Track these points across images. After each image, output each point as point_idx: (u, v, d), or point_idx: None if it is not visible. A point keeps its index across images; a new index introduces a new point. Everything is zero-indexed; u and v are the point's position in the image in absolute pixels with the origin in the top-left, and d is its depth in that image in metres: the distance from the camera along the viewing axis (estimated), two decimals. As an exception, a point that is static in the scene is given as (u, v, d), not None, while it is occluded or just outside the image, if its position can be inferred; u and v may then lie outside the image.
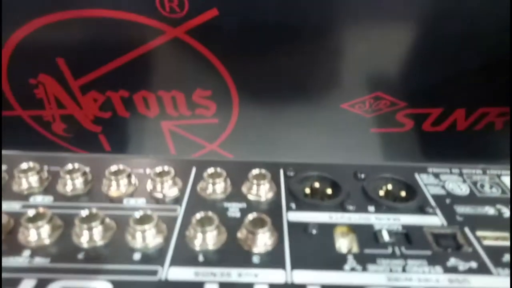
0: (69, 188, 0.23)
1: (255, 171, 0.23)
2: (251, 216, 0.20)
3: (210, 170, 0.23)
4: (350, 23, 0.37)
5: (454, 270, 0.18)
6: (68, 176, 0.23)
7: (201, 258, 0.19)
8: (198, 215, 0.20)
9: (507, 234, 0.21)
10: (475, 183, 0.25)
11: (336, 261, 0.19)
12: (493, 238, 0.21)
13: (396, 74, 0.44)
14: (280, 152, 0.59)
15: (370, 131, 0.55)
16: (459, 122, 0.53)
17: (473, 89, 0.46)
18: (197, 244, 0.19)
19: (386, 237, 0.20)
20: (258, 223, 0.20)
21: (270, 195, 0.23)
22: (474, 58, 0.40)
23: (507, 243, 0.20)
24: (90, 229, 0.19)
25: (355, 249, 0.20)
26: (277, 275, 0.18)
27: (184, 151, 0.58)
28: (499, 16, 0.35)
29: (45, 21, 0.35)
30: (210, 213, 0.20)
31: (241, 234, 0.20)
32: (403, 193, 0.24)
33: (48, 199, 0.22)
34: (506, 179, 0.25)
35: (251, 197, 0.23)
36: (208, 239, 0.19)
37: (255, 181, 0.23)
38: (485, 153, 0.61)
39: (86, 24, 0.37)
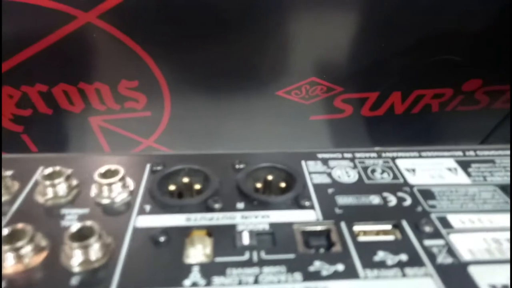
0: None
1: (104, 168, 0.19)
2: (76, 226, 0.16)
3: (49, 169, 0.19)
4: (282, 8, 0.35)
5: (315, 276, 0.15)
6: None
7: (3, 284, 0.15)
8: (8, 229, 0.16)
9: (389, 227, 0.18)
10: (366, 169, 0.22)
11: (178, 276, 0.15)
12: (373, 232, 0.18)
13: (330, 58, 0.42)
14: (220, 144, 0.56)
15: (310, 118, 0.53)
16: (397, 105, 0.53)
17: (407, 71, 0.46)
18: (5, 267, 0.15)
19: (246, 240, 0.17)
20: (85, 234, 0.16)
21: (123, 196, 0.19)
22: (407, 39, 0.39)
23: (389, 238, 0.18)
24: None
25: (209, 257, 0.16)
26: (92, 301, 0.14)
27: (119, 149, 0.54)
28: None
29: None
30: (22, 225, 0.16)
31: (63, 249, 0.16)
32: (283, 184, 0.21)
33: None
34: (400, 162, 0.23)
35: (99, 199, 0.19)
36: (18, 258, 0.15)
37: (103, 181, 0.19)
38: (424, 136, 0.61)
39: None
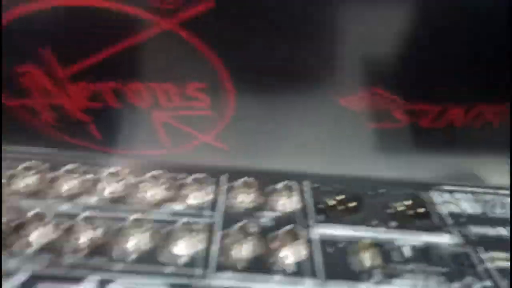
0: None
1: (281, 184, 0.25)
2: (283, 230, 0.21)
3: (238, 182, 0.25)
4: (350, 17, 0.34)
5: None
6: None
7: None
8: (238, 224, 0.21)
9: (517, 255, 0.23)
10: (486, 203, 0.26)
11: (361, 275, 0.20)
12: (505, 259, 0.23)
13: (394, 69, 0.41)
14: (275, 146, 0.57)
15: (367, 126, 0.53)
16: (457, 119, 0.51)
17: (472, 86, 0.43)
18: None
19: (408, 252, 0.22)
20: (289, 237, 0.21)
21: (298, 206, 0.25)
22: (473, 52, 0.37)
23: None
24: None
25: (379, 263, 0.21)
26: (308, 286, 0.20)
27: (176, 141, 0.56)
28: (500, 10, 0.32)
29: (31, 7, 0.34)
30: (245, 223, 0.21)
31: (272, 245, 0.21)
32: (420, 210, 0.26)
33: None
34: (515, 200, 0.27)
35: (280, 207, 0.25)
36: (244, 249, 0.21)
37: (284, 192, 0.24)
38: (482, 149, 0.58)
39: (73, 12, 0.35)
